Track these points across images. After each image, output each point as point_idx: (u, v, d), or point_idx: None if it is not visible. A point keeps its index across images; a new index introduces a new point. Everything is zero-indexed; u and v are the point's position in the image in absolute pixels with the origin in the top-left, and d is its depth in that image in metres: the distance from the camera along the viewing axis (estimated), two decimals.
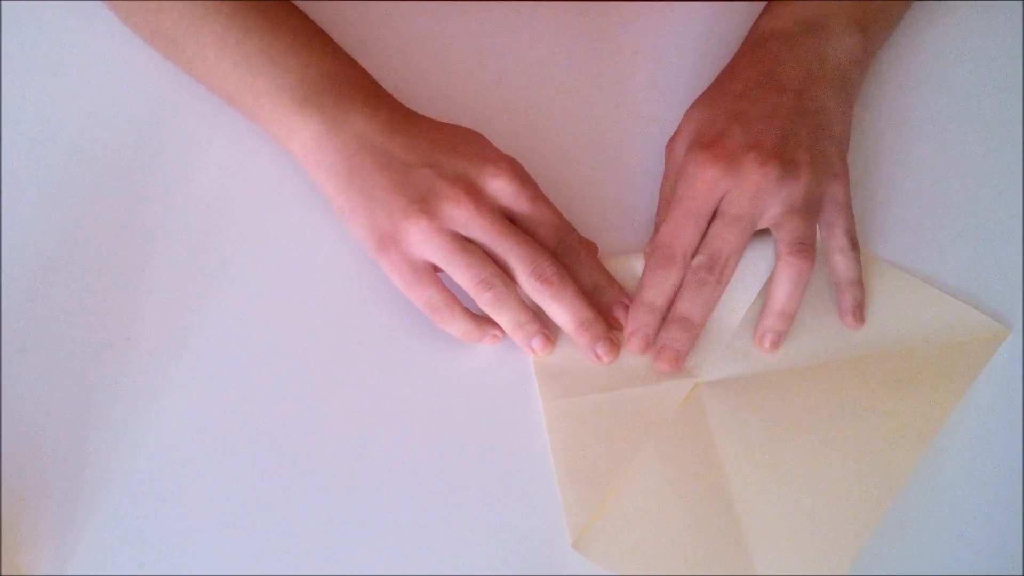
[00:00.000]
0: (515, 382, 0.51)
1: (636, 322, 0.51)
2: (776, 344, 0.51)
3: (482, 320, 0.51)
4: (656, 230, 0.53)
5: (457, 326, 0.50)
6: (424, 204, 0.49)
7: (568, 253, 0.51)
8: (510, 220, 0.51)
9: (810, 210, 0.51)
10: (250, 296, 0.53)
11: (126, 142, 0.56)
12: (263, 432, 0.50)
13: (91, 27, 0.58)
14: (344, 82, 0.52)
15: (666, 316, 0.51)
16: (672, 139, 0.55)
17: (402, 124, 0.52)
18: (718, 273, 0.50)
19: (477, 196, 0.49)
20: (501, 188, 0.50)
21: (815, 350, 0.52)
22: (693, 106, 0.55)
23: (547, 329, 0.51)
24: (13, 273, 0.52)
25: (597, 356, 0.51)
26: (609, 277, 0.52)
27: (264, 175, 0.55)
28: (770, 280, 0.52)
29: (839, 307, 0.52)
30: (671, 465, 0.49)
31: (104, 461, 0.49)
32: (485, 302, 0.50)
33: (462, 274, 0.49)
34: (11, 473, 0.48)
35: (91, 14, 0.58)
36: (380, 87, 0.54)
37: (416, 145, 0.51)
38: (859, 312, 0.52)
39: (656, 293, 0.51)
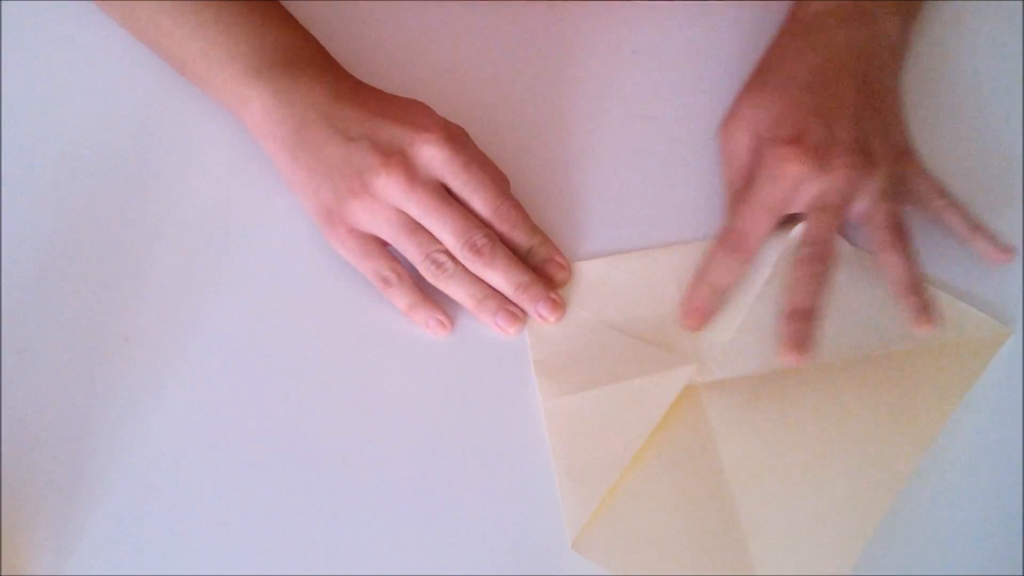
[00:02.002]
0: (515, 379, 0.51)
1: (697, 301, 0.51)
2: (933, 318, 0.50)
3: (431, 301, 0.51)
4: (730, 216, 0.53)
5: (404, 298, 0.51)
6: (362, 181, 0.50)
7: (503, 218, 0.51)
8: (447, 189, 0.51)
9: (897, 192, 0.52)
10: (250, 296, 0.53)
11: (126, 142, 0.56)
12: (263, 432, 0.50)
13: (91, 27, 0.58)
14: (297, 53, 0.53)
15: (722, 297, 0.52)
16: (728, 124, 0.55)
17: (347, 93, 0.52)
18: (828, 261, 0.50)
19: (409, 169, 0.50)
20: (432, 156, 0.50)
21: (817, 350, 0.52)
22: (752, 93, 0.55)
23: (508, 303, 0.51)
24: (13, 273, 0.52)
25: (541, 316, 0.51)
26: (543, 236, 0.53)
27: (264, 174, 0.55)
28: (878, 261, 0.51)
29: (980, 253, 0.53)
30: (671, 465, 0.49)
31: (104, 461, 0.49)
32: (434, 277, 0.50)
33: (410, 250, 0.50)
34: (11, 473, 0.48)
35: (91, 14, 0.58)
36: (333, 60, 0.54)
37: (358, 116, 0.51)
38: (1004, 249, 0.53)
39: (722, 275, 0.51)
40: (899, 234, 0.51)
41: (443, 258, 0.50)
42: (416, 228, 0.50)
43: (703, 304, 0.52)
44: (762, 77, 0.55)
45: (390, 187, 0.50)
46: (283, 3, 0.56)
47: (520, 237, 0.52)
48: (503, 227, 0.51)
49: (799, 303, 0.50)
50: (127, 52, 0.57)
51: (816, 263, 0.50)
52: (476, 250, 0.50)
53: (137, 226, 0.54)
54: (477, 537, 0.48)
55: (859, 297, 0.53)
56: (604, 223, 0.55)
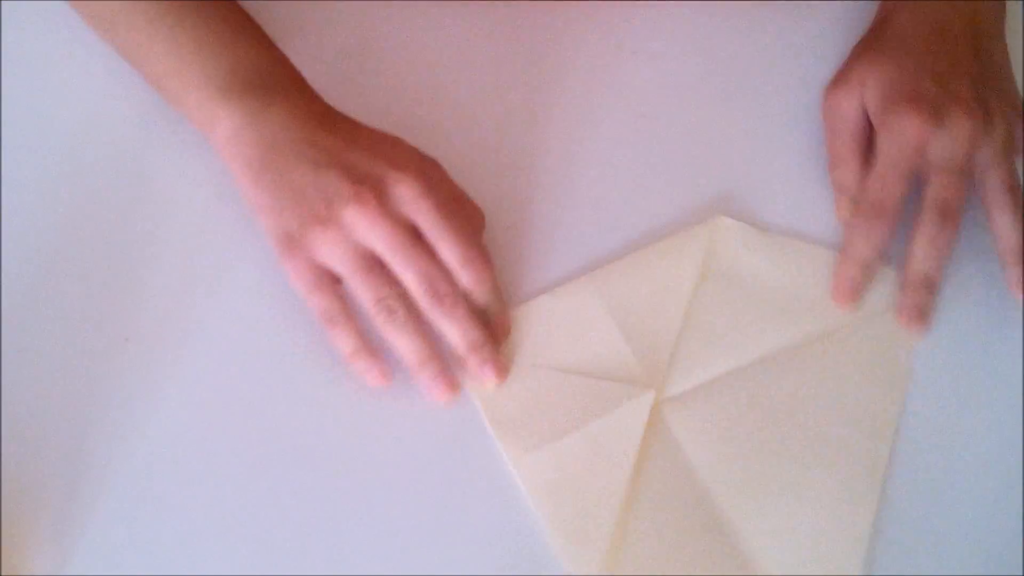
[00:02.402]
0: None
1: (846, 276, 0.52)
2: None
3: (373, 351, 0.49)
4: (838, 187, 0.54)
5: (347, 341, 0.49)
6: (329, 209, 0.48)
7: (469, 270, 0.49)
8: (416, 232, 0.49)
9: (1008, 154, 0.52)
10: (250, 296, 0.53)
11: (126, 142, 0.56)
12: (262, 432, 0.50)
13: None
14: (270, 76, 0.52)
15: (872, 270, 0.52)
16: (836, 90, 0.55)
17: (321, 121, 0.51)
18: (952, 223, 0.50)
19: (380, 204, 0.48)
20: (403, 194, 0.48)
21: (757, 345, 0.51)
22: (863, 59, 0.55)
23: (449, 372, 0.49)
24: (13, 273, 0.52)
25: (484, 378, 0.50)
26: (498, 294, 0.51)
27: None
28: (991, 223, 0.52)
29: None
30: (657, 496, 0.48)
31: (104, 461, 0.49)
32: (382, 323, 0.48)
33: (363, 291, 0.48)
34: (11, 473, 0.48)
35: None
36: (307, 85, 0.53)
37: (331, 145, 0.50)
38: None
39: (865, 247, 0.51)
40: (1015, 197, 0.51)
41: (396, 305, 0.48)
42: (375, 268, 0.48)
43: (853, 282, 0.52)
44: (873, 44, 0.56)
45: (359, 218, 0.48)
46: (275, 4, 0.55)
47: (480, 295, 0.50)
48: (467, 278, 0.49)
49: (923, 271, 0.50)
50: None
51: (943, 228, 0.50)
52: (439, 297, 0.48)
53: (137, 226, 0.54)
54: (474, 540, 0.48)
55: (779, 284, 0.53)
56: (604, 223, 0.55)
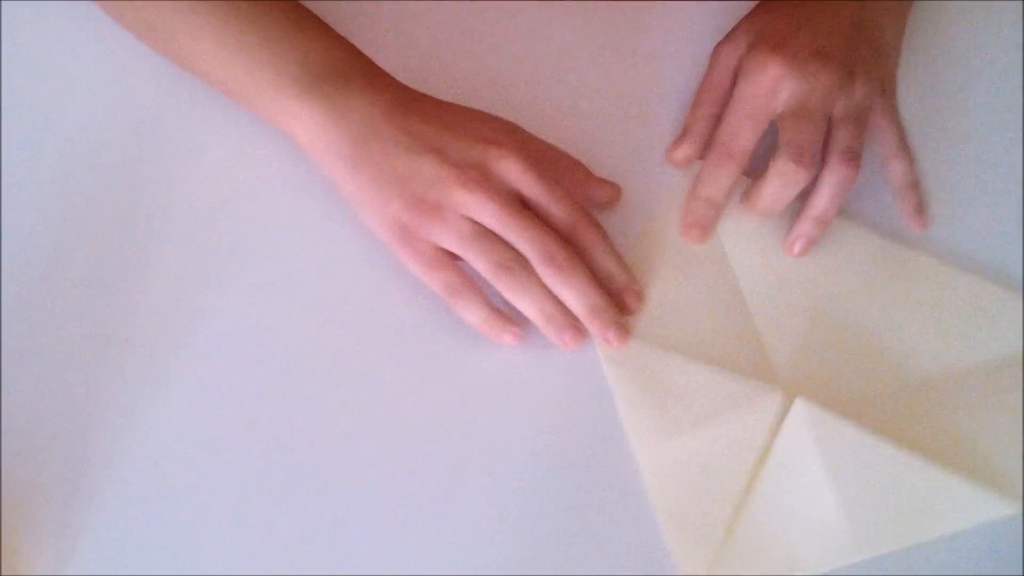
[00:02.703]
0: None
1: (694, 215, 0.52)
2: (806, 249, 0.52)
3: (502, 312, 0.50)
4: (685, 130, 0.54)
5: (476, 313, 0.50)
6: (437, 194, 0.49)
7: (581, 235, 0.51)
8: (522, 202, 0.50)
9: (861, 121, 0.52)
10: (251, 295, 0.53)
11: (126, 142, 0.56)
12: (263, 432, 0.50)
13: (91, 27, 0.58)
14: (345, 66, 0.52)
15: (718, 209, 0.53)
16: (723, 43, 0.55)
17: (405, 107, 0.51)
18: (808, 162, 0.50)
19: (485, 181, 0.49)
20: (508, 168, 0.50)
21: (918, 367, 0.51)
22: (750, 15, 0.56)
23: (576, 321, 0.50)
24: (13, 273, 0.52)
25: (607, 341, 0.50)
26: (620, 261, 0.52)
27: (264, 174, 0.55)
28: (813, 185, 0.51)
29: (902, 211, 0.53)
30: (769, 500, 0.48)
31: (104, 461, 0.49)
32: (505, 286, 0.49)
33: (479, 259, 0.49)
34: (11, 473, 0.48)
35: (91, 14, 0.57)
36: (380, 69, 0.54)
37: (422, 131, 0.50)
38: (921, 213, 0.53)
39: (714, 188, 0.52)
40: (848, 160, 0.51)
41: (515, 265, 0.49)
42: (488, 234, 0.49)
43: (700, 217, 0.52)
44: (763, 4, 0.56)
45: (468, 199, 0.49)
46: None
47: (598, 257, 0.51)
48: (582, 243, 0.51)
49: (765, 207, 0.51)
50: (127, 52, 0.57)
51: (797, 170, 0.50)
52: (555, 264, 0.49)
53: (137, 226, 0.54)
54: (484, 535, 0.48)
55: (925, 312, 0.52)
56: (603, 223, 0.55)
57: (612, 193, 0.54)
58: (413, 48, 0.59)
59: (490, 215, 0.49)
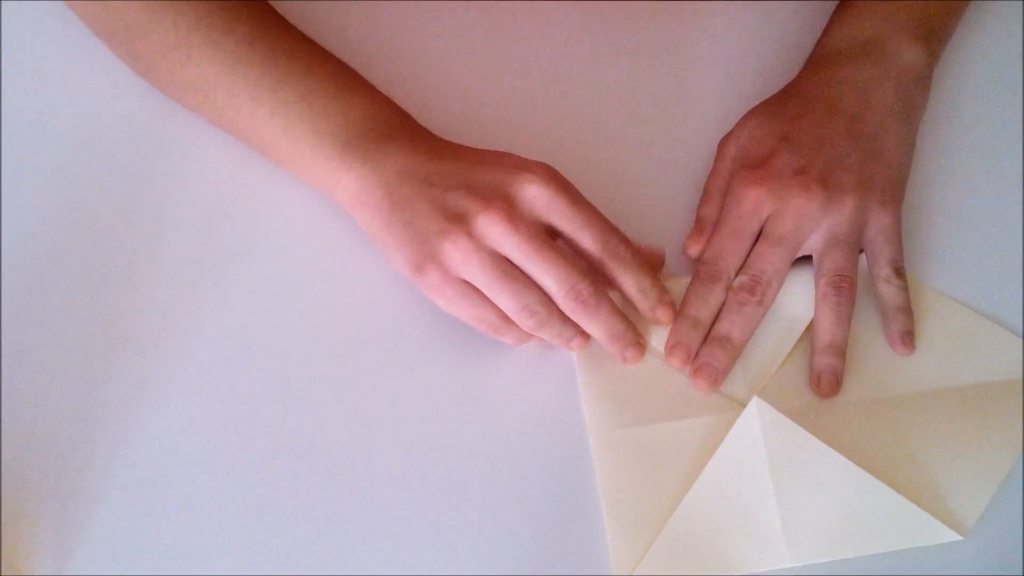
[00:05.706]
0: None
1: (678, 336, 0.51)
2: (834, 384, 0.50)
3: (555, 323, 0.50)
4: (697, 225, 0.54)
5: (512, 335, 0.50)
6: (460, 223, 0.48)
7: (611, 255, 0.50)
8: (551, 229, 0.50)
9: (852, 241, 0.52)
10: (251, 296, 0.53)
11: (127, 142, 0.56)
12: (263, 433, 0.50)
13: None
14: (384, 123, 0.52)
15: (704, 329, 0.51)
16: (726, 139, 0.56)
17: (442, 153, 0.51)
18: (760, 294, 0.51)
19: (511, 210, 0.48)
20: (535, 194, 0.49)
21: (875, 384, 0.51)
22: (751, 115, 0.55)
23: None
24: (13, 273, 0.52)
25: (624, 359, 0.51)
26: (654, 278, 0.51)
27: (264, 175, 0.55)
28: (815, 316, 0.52)
29: (887, 335, 0.52)
30: (723, 497, 0.48)
31: (104, 461, 0.49)
32: (529, 328, 0.49)
33: (504, 300, 0.48)
34: (11, 473, 0.48)
35: None
36: (418, 124, 0.53)
37: (452, 170, 0.50)
38: (908, 339, 0.51)
39: (699, 308, 0.51)
40: (836, 287, 0.51)
41: (539, 308, 0.48)
42: (512, 273, 0.48)
43: (684, 337, 0.51)
44: (765, 109, 0.56)
45: (491, 227, 0.48)
46: (275, 4, 0.55)
47: (629, 277, 0.50)
48: (612, 263, 0.50)
49: (721, 332, 0.51)
50: None
51: (748, 300, 0.50)
52: (581, 300, 0.49)
53: (137, 226, 0.54)
54: (480, 535, 0.48)
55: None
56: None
57: (655, 260, 0.53)
58: (413, 48, 0.59)
59: (513, 247, 0.48)
